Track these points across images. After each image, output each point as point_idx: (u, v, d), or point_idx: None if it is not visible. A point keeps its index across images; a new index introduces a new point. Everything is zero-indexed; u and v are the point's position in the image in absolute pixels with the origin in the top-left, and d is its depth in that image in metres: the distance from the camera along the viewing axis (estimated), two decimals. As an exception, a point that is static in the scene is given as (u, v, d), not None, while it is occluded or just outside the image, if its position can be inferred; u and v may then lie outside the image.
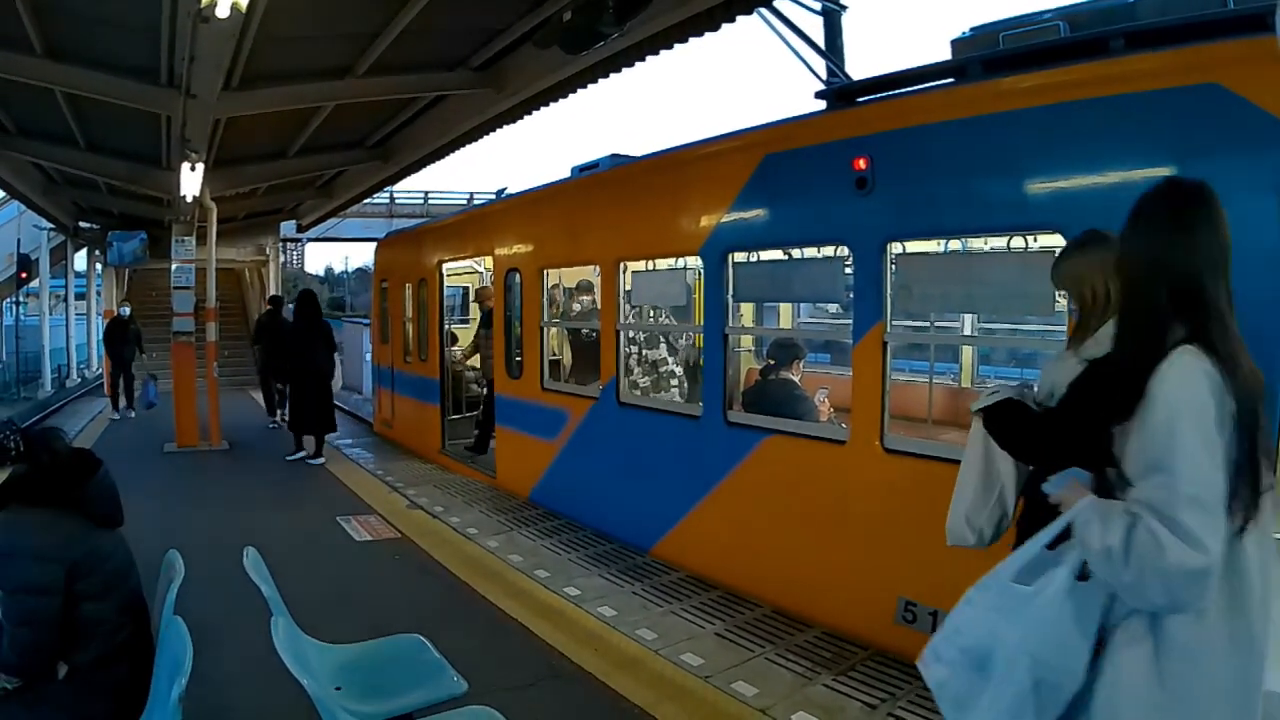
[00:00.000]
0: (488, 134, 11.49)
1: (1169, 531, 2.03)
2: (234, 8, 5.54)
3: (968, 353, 9.00)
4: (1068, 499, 2.34)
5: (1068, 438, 2.47)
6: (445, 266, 12.08)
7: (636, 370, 8.78)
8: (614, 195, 8.09)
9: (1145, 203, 2.48)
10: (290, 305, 13.72)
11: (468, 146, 12.34)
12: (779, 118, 6.40)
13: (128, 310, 16.88)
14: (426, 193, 41.55)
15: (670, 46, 7.96)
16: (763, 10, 7.25)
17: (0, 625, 3.07)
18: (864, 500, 5.41)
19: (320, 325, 11.86)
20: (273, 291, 21.65)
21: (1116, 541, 2.11)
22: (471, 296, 12.14)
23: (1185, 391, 2.14)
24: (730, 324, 6.61)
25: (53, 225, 22.06)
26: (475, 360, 12.03)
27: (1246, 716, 2.19)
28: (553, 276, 9.25)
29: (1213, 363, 2.15)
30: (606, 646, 5.26)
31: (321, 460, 11.45)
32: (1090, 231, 3.18)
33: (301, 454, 11.62)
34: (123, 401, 16.22)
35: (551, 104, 10.06)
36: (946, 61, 5.46)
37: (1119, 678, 2.20)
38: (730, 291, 6.48)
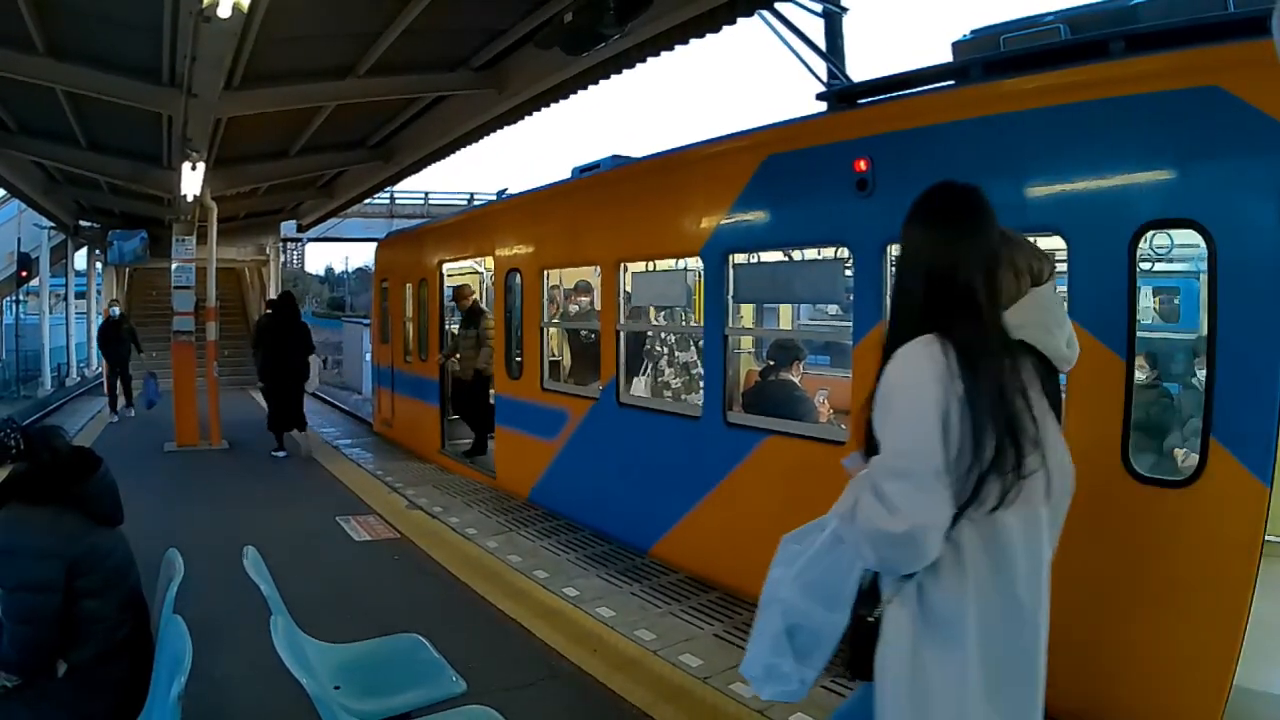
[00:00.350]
0: (488, 134, 11.50)
1: (875, 499, 2.20)
2: (235, 7, 5.54)
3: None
4: (852, 471, 2.53)
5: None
6: (446, 267, 12.08)
7: (668, 372, 8.80)
8: (615, 196, 8.10)
9: (915, 204, 2.53)
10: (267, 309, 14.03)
11: (469, 147, 12.37)
12: (780, 119, 6.40)
13: (119, 311, 16.72)
14: (427, 193, 41.60)
15: (671, 48, 7.97)
16: (764, 12, 7.25)
17: (0, 622, 3.07)
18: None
19: (298, 326, 12.19)
20: (272, 293, 21.68)
21: (847, 507, 2.35)
22: (449, 296, 12.13)
23: (902, 374, 2.31)
24: (730, 325, 6.62)
25: (53, 224, 22.07)
26: (455, 361, 11.99)
27: (1016, 684, 2.35)
28: (553, 277, 9.25)
29: (943, 349, 2.25)
30: (605, 647, 5.26)
31: (285, 454, 11.98)
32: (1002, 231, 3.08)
33: (285, 453, 12.03)
34: (121, 400, 16.01)
35: (552, 105, 10.07)
36: (947, 63, 5.46)
37: (886, 637, 2.34)
38: (730, 292, 6.49)
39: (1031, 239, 2.66)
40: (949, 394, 2.21)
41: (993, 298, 2.39)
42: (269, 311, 13.26)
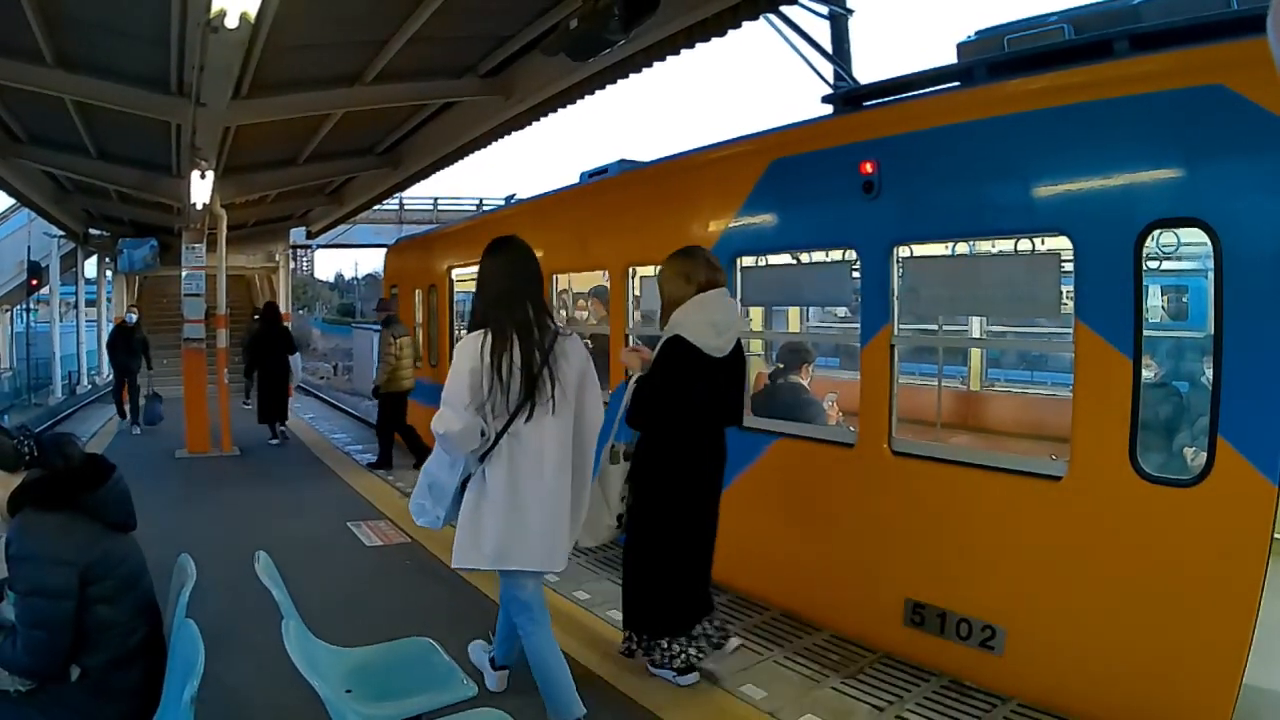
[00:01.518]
0: (496, 140, 11.48)
1: (436, 417, 3.96)
2: (243, 17, 5.57)
3: (976, 356, 8.99)
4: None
5: None
6: (455, 272, 12.10)
7: None
8: (623, 201, 8.11)
9: (486, 248, 4.29)
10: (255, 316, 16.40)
11: (477, 153, 12.35)
12: (786, 122, 6.41)
13: (134, 317, 15.76)
14: (436, 199, 41.67)
15: (677, 52, 7.96)
16: (769, 15, 7.26)
17: (13, 628, 3.09)
18: (872, 503, 5.42)
19: (280, 330, 14.29)
20: (282, 300, 21.83)
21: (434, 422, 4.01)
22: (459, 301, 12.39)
23: (457, 353, 4.06)
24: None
25: (63, 232, 22.13)
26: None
27: (530, 511, 4.02)
28: (560, 281, 9.27)
29: (482, 337, 3.97)
30: (616, 650, 5.27)
31: (278, 441, 13.83)
32: (685, 247, 4.81)
33: (278, 440, 13.82)
34: (128, 416, 15.37)
35: (559, 110, 10.05)
36: (952, 65, 5.47)
37: (470, 485, 4.16)
38: (739, 296, 6.49)
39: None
40: (480, 364, 3.93)
41: (524, 308, 4.05)
42: (256, 318, 15.51)
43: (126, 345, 15.21)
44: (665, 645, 4.69)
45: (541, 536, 4.01)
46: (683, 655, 4.66)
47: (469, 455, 4.04)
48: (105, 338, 18.64)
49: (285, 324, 15.57)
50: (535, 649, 4.18)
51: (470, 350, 3.92)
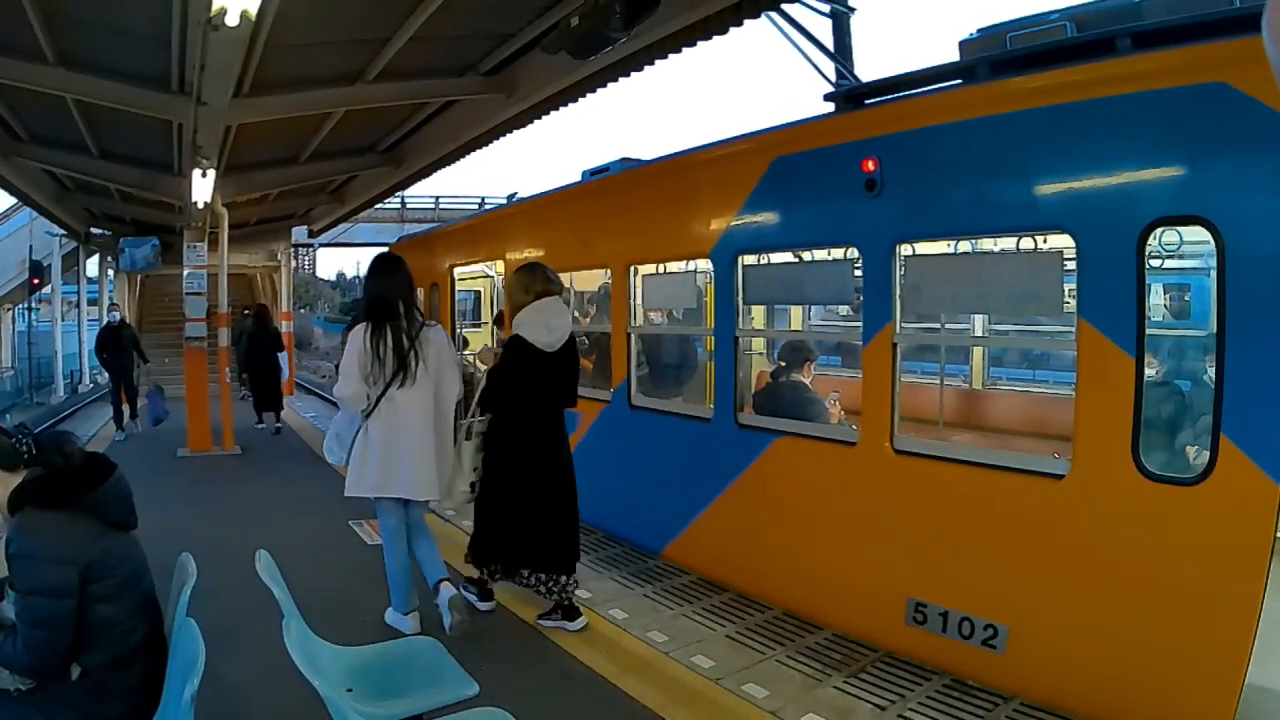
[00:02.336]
0: (498, 139, 11.48)
1: (336, 385, 5.49)
2: (244, 16, 5.56)
3: (978, 354, 8.99)
4: None
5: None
6: (457, 271, 12.10)
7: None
8: (625, 199, 8.11)
9: (371, 263, 5.93)
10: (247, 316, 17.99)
11: (478, 151, 12.34)
12: (788, 120, 6.40)
13: (118, 316, 15.48)
14: (437, 197, 41.67)
15: (679, 50, 7.95)
16: (771, 13, 7.24)
17: (13, 626, 3.09)
18: (874, 501, 5.42)
19: (270, 329, 15.73)
20: (281, 297, 21.87)
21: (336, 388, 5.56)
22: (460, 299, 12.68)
23: (350, 339, 5.42)
24: (741, 326, 6.62)
25: (65, 232, 22.15)
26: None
27: (403, 460, 5.39)
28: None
29: (366, 328, 5.35)
30: (618, 649, 5.28)
31: (263, 425, 15.05)
32: (527, 264, 5.99)
33: (263, 425, 15.03)
34: (127, 413, 14.87)
35: (561, 108, 10.04)
36: (954, 63, 5.46)
37: (358, 438, 5.51)
38: (741, 294, 6.49)
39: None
40: (365, 346, 5.30)
41: (396, 306, 5.43)
42: (246, 313, 17.67)
43: (116, 344, 14.80)
44: (491, 571, 5.85)
45: (410, 472, 5.40)
46: (496, 580, 5.87)
47: (359, 413, 5.46)
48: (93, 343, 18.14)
49: (275, 325, 16.58)
50: (388, 559, 5.59)
51: (358, 338, 5.36)
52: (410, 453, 5.39)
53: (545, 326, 5.49)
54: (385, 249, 16.57)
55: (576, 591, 5.75)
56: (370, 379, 5.34)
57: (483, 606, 5.86)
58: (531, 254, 9.44)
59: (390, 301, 5.43)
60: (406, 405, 5.38)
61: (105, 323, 15.72)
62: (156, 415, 14.52)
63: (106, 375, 16.30)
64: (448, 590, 5.38)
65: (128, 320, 15.89)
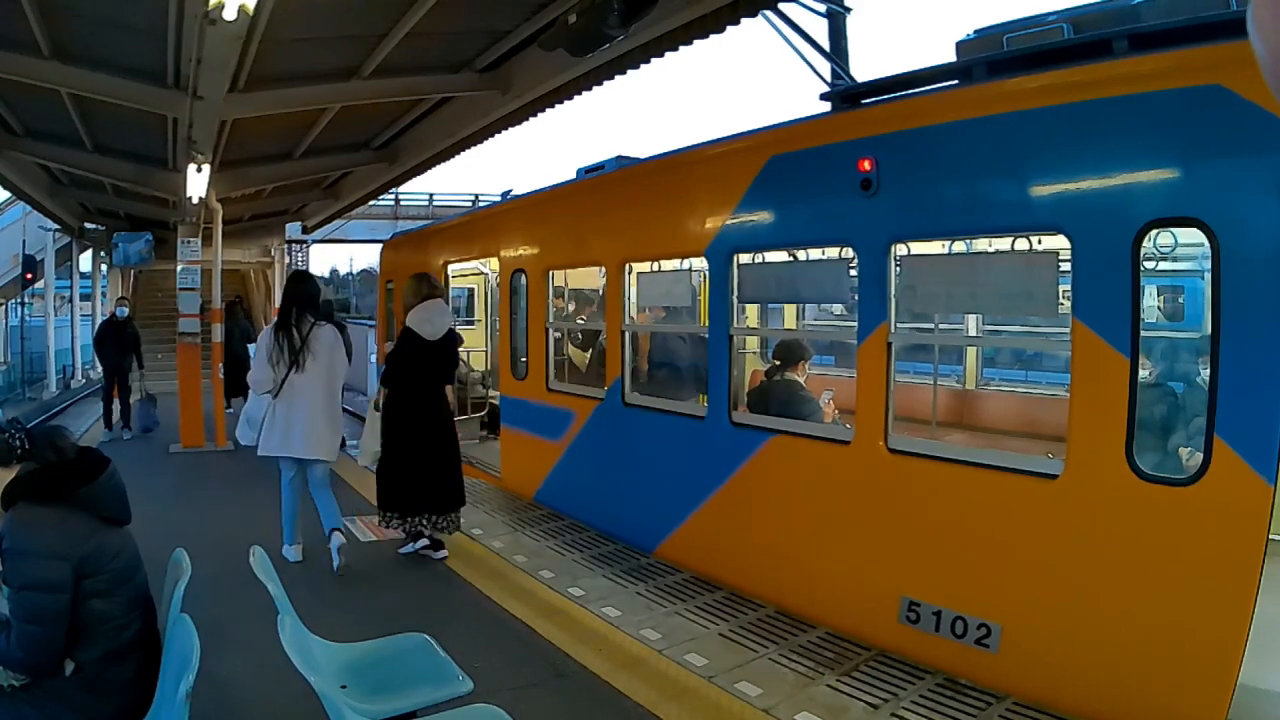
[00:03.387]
0: (493, 136, 11.49)
1: (250, 372, 7.18)
2: (241, 10, 5.56)
3: (972, 354, 9.00)
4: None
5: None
6: (451, 267, 12.09)
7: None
8: (619, 197, 8.11)
9: (288, 278, 7.86)
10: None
11: (473, 148, 12.36)
12: (784, 120, 6.41)
13: (125, 311, 14.44)
14: (432, 194, 41.65)
15: (675, 48, 7.96)
16: (768, 13, 7.25)
17: (7, 622, 3.09)
18: (868, 501, 5.43)
19: (243, 324, 16.66)
20: (274, 293, 21.87)
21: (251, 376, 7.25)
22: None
23: (261, 335, 7.17)
24: (735, 325, 6.63)
25: (58, 226, 22.06)
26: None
27: (300, 428, 6.79)
28: (557, 278, 9.26)
29: (274, 325, 6.92)
30: (610, 646, 5.28)
31: (231, 410, 14.60)
32: (418, 274, 7.58)
33: (231, 409, 14.37)
34: (118, 419, 14.13)
35: (557, 106, 10.05)
36: (951, 63, 5.46)
37: (265, 412, 7.01)
38: (735, 293, 6.49)
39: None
40: (272, 341, 6.78)
41: (289, 310, 6.87)
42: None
43: (117, 341, 13.98)
44: (400, 519, 7.08)
45: (303, 437, 6.81)
46: (414, 529, 7.11)
47: (267, 395, 6.87)
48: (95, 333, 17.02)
49: (246, 320, 18.17)
50: (284, 504, 7.04)
51: (267, 334, 6.93)
52: (303, 422, 6.80)
53: (428, 322, 7.00)
54: (379, 244, 16.50)
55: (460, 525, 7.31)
56: (277, 367, 6.79)
57: (406, 548, 7.26)
58: (526, 251, 9.44)
59: (289, 307, 6.92)
60: (301, 386, 6.79)
61: (110, 315, 14.69)
62: (146, 425, 14.15)
63: (100, 370, 15.36)
64: (338, 539, 6.77)
65: (134, 318, 14.78)
